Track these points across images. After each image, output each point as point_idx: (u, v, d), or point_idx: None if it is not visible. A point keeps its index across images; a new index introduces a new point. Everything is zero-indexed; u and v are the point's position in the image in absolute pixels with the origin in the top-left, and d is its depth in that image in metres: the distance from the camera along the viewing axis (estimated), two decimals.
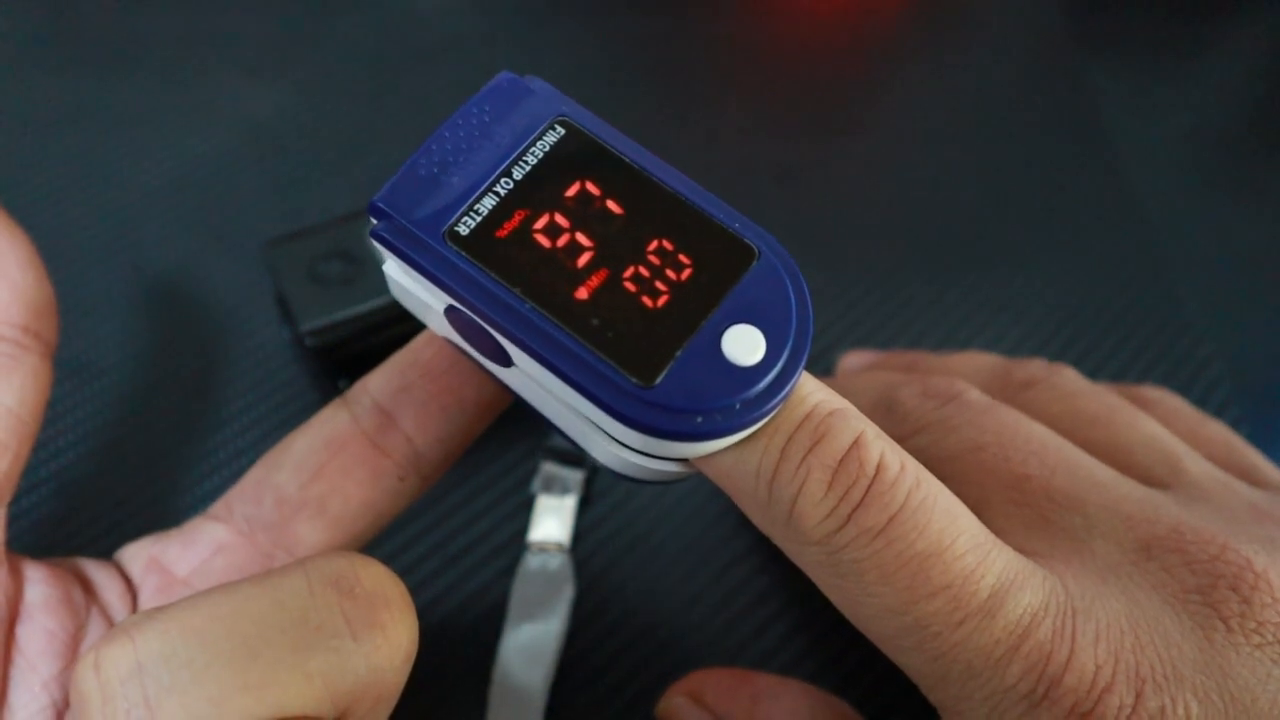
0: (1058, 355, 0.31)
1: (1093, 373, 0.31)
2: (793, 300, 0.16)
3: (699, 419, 0.15)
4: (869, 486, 0.16)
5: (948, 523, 0.16)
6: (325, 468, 0.20)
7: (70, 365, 0.29)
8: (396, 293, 0.18)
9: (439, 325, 0.18)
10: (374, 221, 0.16)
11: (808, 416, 0.16)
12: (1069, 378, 0.24)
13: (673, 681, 0.23)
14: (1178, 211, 0.35)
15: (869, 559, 0.16)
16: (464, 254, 0.16)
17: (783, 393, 0.16)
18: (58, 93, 0.35)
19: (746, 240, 0.16)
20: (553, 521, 0.27)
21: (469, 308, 0.16)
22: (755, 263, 0.16)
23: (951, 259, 0.34)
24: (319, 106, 0.36)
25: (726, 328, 0.16)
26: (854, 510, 0.16)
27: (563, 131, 0.17)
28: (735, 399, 0.15)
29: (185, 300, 0.31)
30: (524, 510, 0.27)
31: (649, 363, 0.15)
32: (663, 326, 0.16)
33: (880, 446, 0.16)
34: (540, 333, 0.16)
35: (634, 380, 0.15)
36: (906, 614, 0.16)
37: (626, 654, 0.25)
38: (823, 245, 0.34)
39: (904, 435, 0.21)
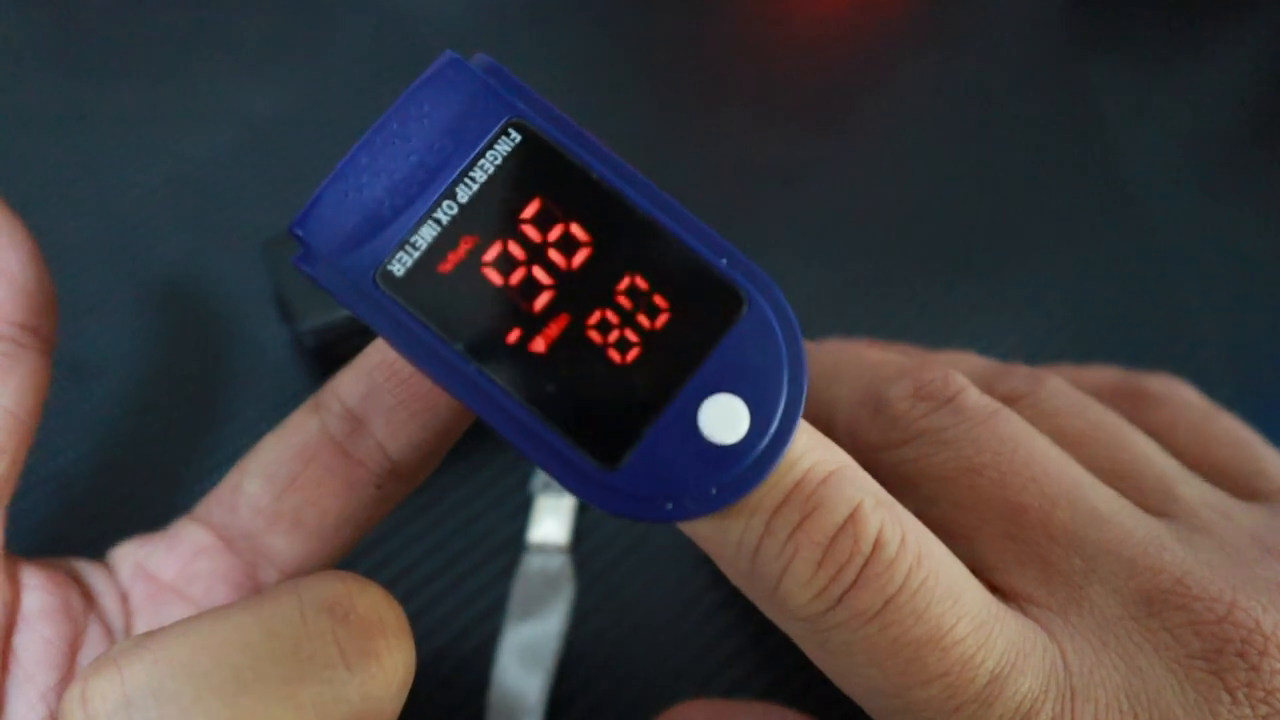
0: (1059, 356, 0.31)
1: None
2: (785, 363, 0.14)
3: (668, 505, 0.14)
4: (864, 566, 0.14)
5: (949, 605, 0.15)
6: (298, 479, 0.19)
7: (69, 365, 0.29)
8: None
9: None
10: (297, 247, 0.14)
11: (798, 485, 0.14)
12: (1053, 392, 0.22)
13: (671, 685, 0.23)
14: (1178, 211, 0.35)
15: (860, 642, 0.15)
16: (398, 300, 0.14)
17: (765, 474, 0.14)
18: (58, 93, 0.35)
19: (734, 284, 0.14)
20: (552, 521, 0.27)
21: (408, 360, 0.14)
22: (743, 313, 0.14)
23: (952, 259, 0.34)
24: (319, 106, 0.36)
25: (705, 397, 0.14)
26: (846, 591, 0.14)
27: (518, 138, 0.14)
28: (711, 483, 0.14)
29: (185, 300, 0.31)
30: (524, 510, 0.27)
31: (613, 441, 0.14)
32: (631, 392, 0.14)
33: (879, 518, 0.15)
34: (487, 399, 0.14)
35: (595, 463, 0.14)
36: (898, 698, 0.15)
37: (626, 655, 0.25)
38: (823, 245, 0.33)
39: (891, 444, 0.20)
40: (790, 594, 0.15)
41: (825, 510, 0.14)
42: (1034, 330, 0.32)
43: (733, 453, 0.14)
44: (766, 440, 0.14)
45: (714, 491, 0.14)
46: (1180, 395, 0.23)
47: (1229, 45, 0.41)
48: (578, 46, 0.39)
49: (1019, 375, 0.23)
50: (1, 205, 0.20)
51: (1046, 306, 0.32)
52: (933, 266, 0.33)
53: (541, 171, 0.14)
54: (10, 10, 0.38)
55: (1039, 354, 0.31)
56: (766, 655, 0.25)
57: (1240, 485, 0.21)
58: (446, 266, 0.14)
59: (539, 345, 0.14)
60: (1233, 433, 0.22)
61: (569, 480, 0.14)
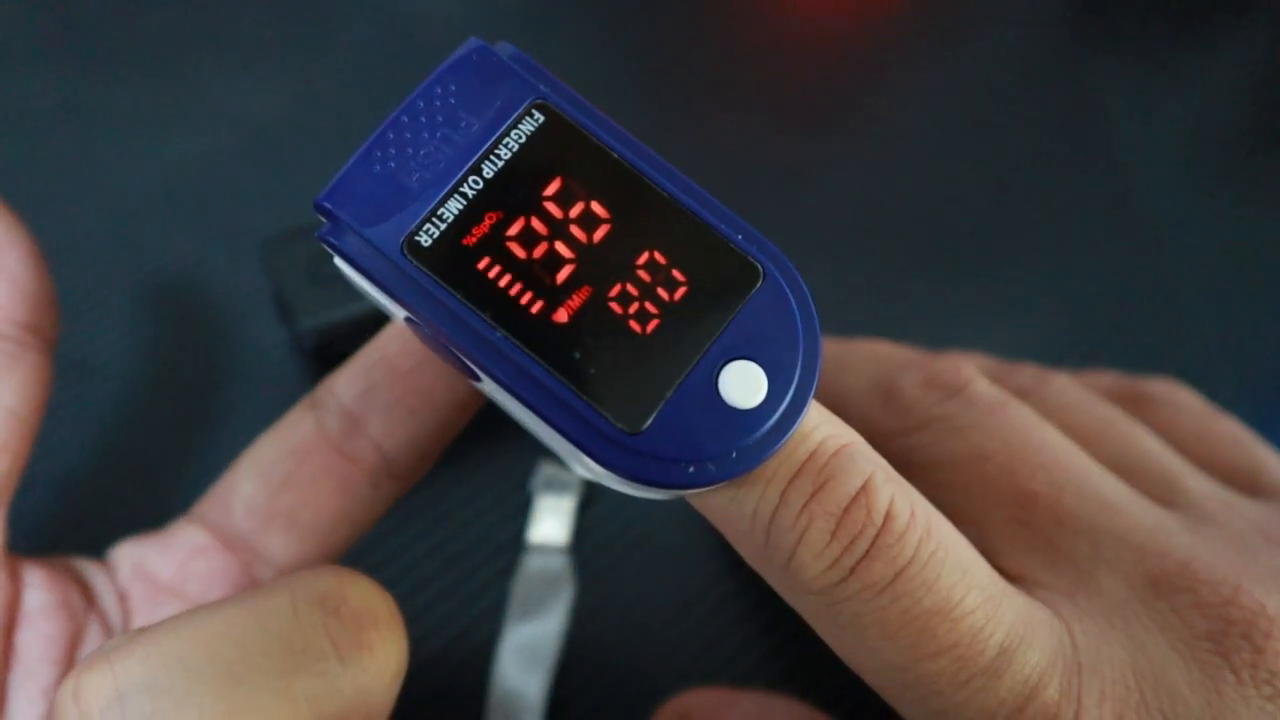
0: (1060, 356, 0.31)
1: None
2: (800, 332, 0.14)
3: (690, 469, 0.14)
4: (876, 537, 0.15)
5: (958, 577, 0.15)
6: (292, 478, 0.19)
7: (69, 365, 0.29)
8: (351, 282, 0.16)
9: (402, 324, 0.17)
10: (322, 221, 0.15)
11: (811, 456, 0.15)
12: (1058, 390, 0.22)
13: (672, 685, 0.23)
14: (1179, 212, 0.35)
15: (871, 614, 0.15)
16: (425, 270, 0.14)
17: (784, 439, 0.14)
18: (58, 93, 0.35)
19: (750, 258, 0.15)
20: (552, 521, 0.27)
21: (432, 330, 0.14)
22: (759, 286, 0.14)
23: (952, 260, 0.34)
24: (319, 106, 0.36)
25: (725, 364, 0.14)
26: (858, 563, 0.15)
27: (542, 118, 0.15)
28: (732, 446, 0.14)
29: (184, 300, 0.31)
30: (524, 510, 0.27)
31: (636, 406, 0.14)
32: (653, 360, 0.14)
33: (890, 491, 0.15)
34: (512, 365, 0.14)
35: (619, 426, 0.14)
36: (908, 671, 0.15)
37: (626, 656, 0.25)
38: (823, 245, 0.33)
39: (902, 430, 0.20)
40: (804, 565, 0.15)
41: (838, 482, 0.15)
42: (1035, 331, 0.32)
43: (752, 416, 0.14)
44: (784, 404, 0.14)
45: (734, 455, 0.14)
46: (1180, 399, 0.24)
47: (1230, 46, 0.41)
48: (577, 47, 0.39)
49: (1026, 373, 0.23)
50: (1, 205, 0.20)
51: (1047, 307, 0.32)
52: (933, 267, 0.33)
53: (563, 151, 0.15)
54: (10, 10, 0.38)
55: (1039, 355, 0.31)
56: (767, 655, 0.25)
57: (1241, 483, 0.21)
58: (471, 239, 0.14)
59: (561, 316, 0.14)
60: (1233, 433, 0.23)
61: (593, 445, 0.14)
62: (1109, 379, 0.25)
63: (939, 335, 0.32)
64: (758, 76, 0.39)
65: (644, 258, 0.14)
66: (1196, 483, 0.20)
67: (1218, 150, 0.38)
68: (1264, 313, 0.33)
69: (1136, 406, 0.23)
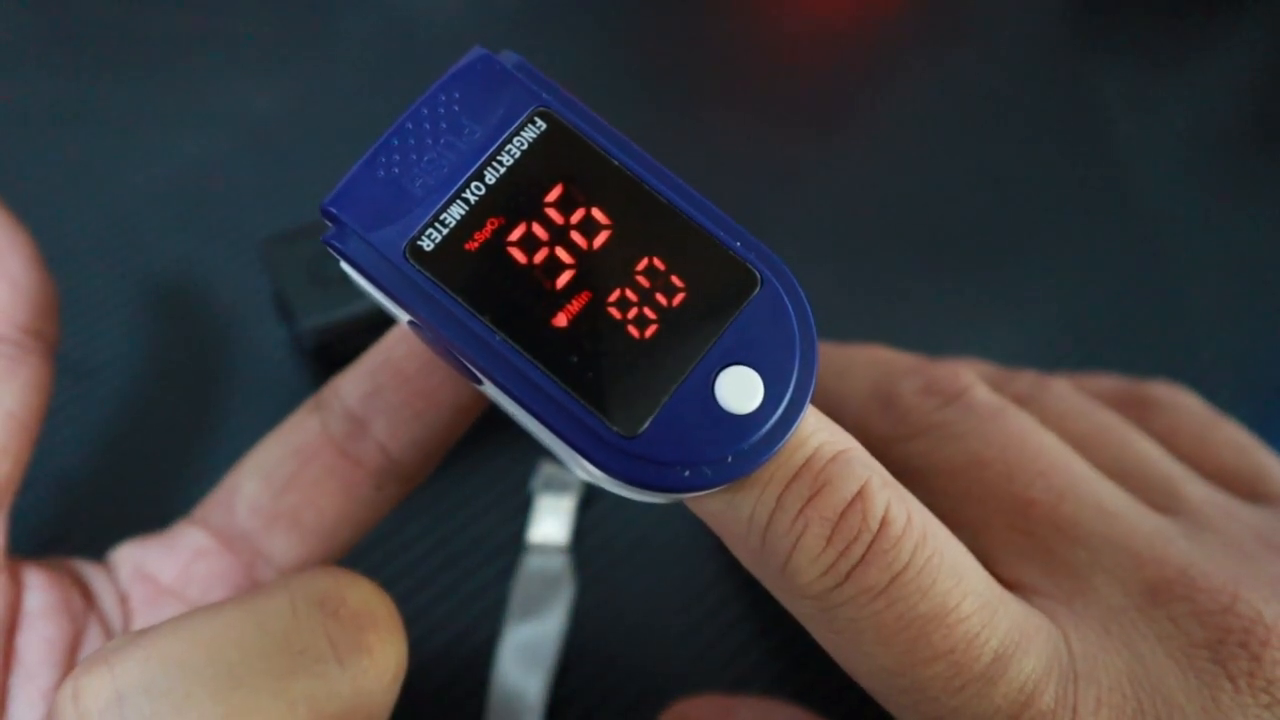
0: (1060, 358, 0.31)
1: None
2: (797, 339, 0.15)
3: (685, 472, 0.14)
4: (871, 543, 0.15)
5: (954, 583, 0.15)
6: (295, 479, 0.19)
7: (69, 365, 0.29)
8: (358, 285, 0.17)
9: (406, 327, 0.17)
10: (327, 225, 0.15)
11: (807, 462, 0.15)
12: (1058, 395, 0.22)
13: (671, 685, 0.23)
14: (1178, 211, 0.35)
15: (867, 619, 0.15)
16: (427, 274, 0.14)
17: (780, 444, 0.14)
18: (57, 93, 0.35)
19: (749, 265, 0.15)
20: (552, 521, 0.27)
21: (433, 333, 0.15)
22: (757, 292, 0.15)
23: (952, 260, 0.34)
24: (319, 106, 0.36)
25: (721, 369, 0.14)
26: (854, 568, 0.15)
27: (544, 126, 0.15)
28: (728, 451, 0.14)
29: (184, 300, 0.31)
30: (524, 510, 0.27)
31: (633, 409, 0.14)
32: (650, 364, 0.14)
33: (886, 497, 0.15)
34: (511, 368, 0.14)
35: (615, 429, 0.14)
36: (903, 676, 0.15)
37: (626, 655, 0.25)
38: (822, 246, 0.33)
39: (901, 437, 0.20)
40: (799, 570, 0.15)
41: (834, 487, 0.15)
42: (1035, 332, 0.32)
43: (748, 421, 0.14)
44: (780, 410, 0.14)
45: (730, 459, 0.14)
46: (1182, 402, 0.24)
47: (1230, 45, 0.41)
48: (577, 46, 0.39)
49: (1025, 380, 0.23)
50: (3, 209, 0.20)
51: (1047, 308, 0.32)
52: (932, 268, 0.33)
53: (565, 158, 0.15)
54: (10, 10, 0.38)
55: (1040, 356, 0.31)
56: (767, 655, 0.25)
57: (1242, 488, 0.21)
58: (473, 244, 0.14)
59: (561, 320, 0.14)
60: (1234, 438, 0.23)
61: (589, 447, 0.14)
62: (1109, 382, 0.25)
63: (938, 335, 0.32)
64: (758, 76, 0.39)
65: (643, 264, 0.15)
66: (1196, 489, 0.20)
67: (1218, 150, 0.38)
68: (1264, 313, 0.33)
69: (1137, 410, 0.23)
